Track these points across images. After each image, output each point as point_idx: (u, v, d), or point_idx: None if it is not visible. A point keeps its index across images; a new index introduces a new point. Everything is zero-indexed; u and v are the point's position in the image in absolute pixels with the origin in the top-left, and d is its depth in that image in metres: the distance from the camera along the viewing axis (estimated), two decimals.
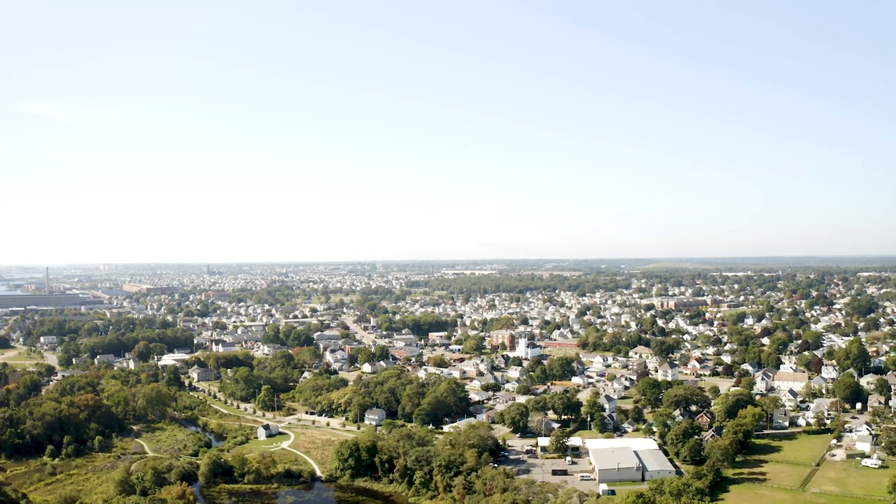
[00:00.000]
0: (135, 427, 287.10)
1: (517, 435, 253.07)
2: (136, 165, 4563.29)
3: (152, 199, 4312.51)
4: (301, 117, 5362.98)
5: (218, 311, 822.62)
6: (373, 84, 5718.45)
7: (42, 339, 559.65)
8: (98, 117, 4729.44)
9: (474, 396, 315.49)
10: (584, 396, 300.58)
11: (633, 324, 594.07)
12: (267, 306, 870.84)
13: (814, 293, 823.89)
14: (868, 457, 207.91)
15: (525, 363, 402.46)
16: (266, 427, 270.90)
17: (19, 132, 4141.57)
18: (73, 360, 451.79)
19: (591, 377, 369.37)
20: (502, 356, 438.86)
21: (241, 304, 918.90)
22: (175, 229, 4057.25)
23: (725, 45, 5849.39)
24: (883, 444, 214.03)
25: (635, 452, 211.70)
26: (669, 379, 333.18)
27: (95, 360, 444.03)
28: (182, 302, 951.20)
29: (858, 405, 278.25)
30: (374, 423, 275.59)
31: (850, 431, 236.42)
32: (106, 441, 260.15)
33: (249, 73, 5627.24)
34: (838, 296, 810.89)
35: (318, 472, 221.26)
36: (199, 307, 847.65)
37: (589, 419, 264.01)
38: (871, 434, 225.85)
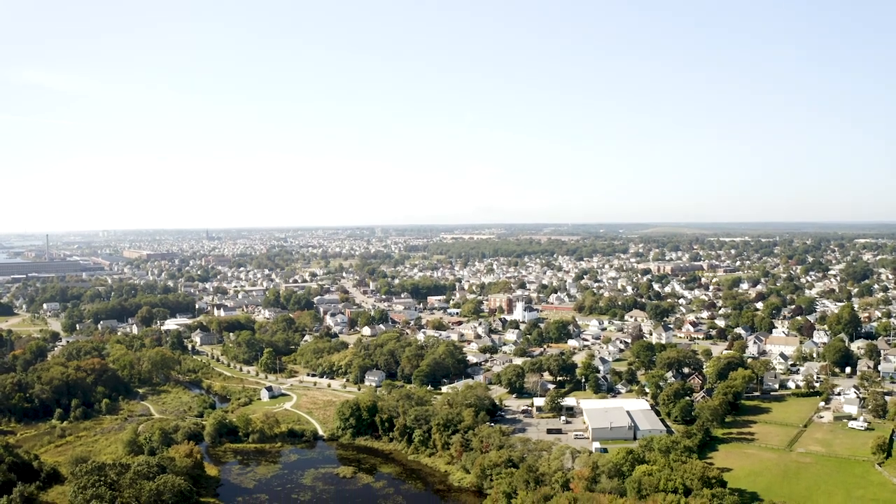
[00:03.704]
0: (140, 390, 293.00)
1: (513, 395, 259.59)
2: (133, 133, 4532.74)
3: (150, 166, 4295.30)
4: (298, 82, 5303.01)
5: (218, 277, 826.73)
6: (370, 47, 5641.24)
7: (45, 305, 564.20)
8: (95, 87, 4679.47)
9: (472, 358, 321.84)
10: (579, 358, 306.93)
11: (629, 288, 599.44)
12: (267, 271, 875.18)
13: (810, 259, 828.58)
14: (855, 419, 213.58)
15: (522, 326, 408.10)
16: (269, 389, 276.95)
17: (18, 102, 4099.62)
18: (77, 325, 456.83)
19: (586, 340, 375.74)
20: (500, 319, 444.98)
21: (241, 269, 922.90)
22: (173, 195, 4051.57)
23: (731, 9, 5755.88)
24: (869, 407, 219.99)
25: (628, 412, 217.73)
26: (663, 342, 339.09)
27: (99, 326, 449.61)
28: (182, 267, 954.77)
29: (848, 369, 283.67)
30: (374, 384, 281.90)
31: (839, 394, 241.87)
32: (113, 404, 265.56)
33: (247, 37, 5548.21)
34: (834, 262, 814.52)
35: (321, 432, 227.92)
36: (199, 272, 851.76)
37: (584, 380, 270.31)
38: (858, 397, 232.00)
